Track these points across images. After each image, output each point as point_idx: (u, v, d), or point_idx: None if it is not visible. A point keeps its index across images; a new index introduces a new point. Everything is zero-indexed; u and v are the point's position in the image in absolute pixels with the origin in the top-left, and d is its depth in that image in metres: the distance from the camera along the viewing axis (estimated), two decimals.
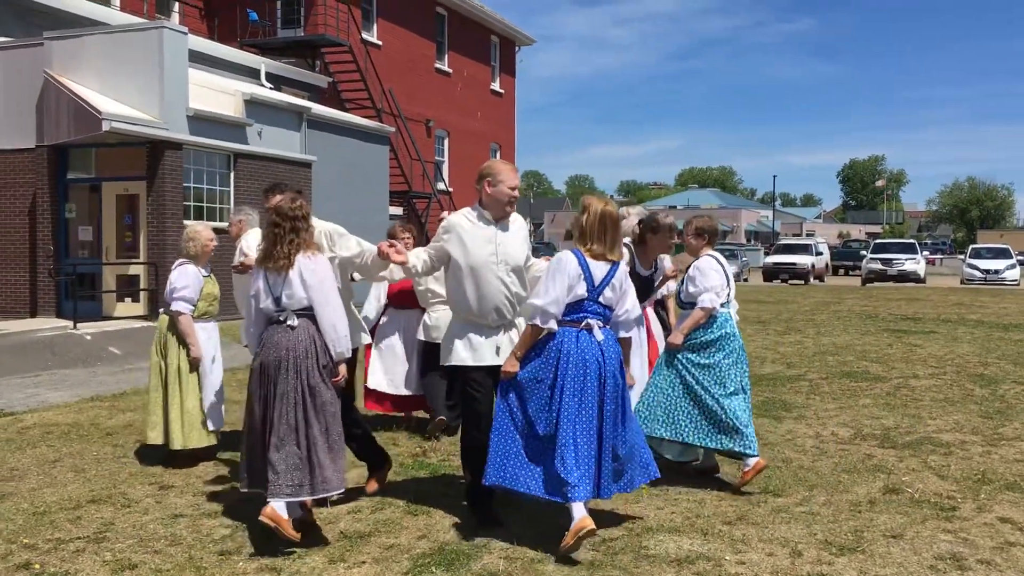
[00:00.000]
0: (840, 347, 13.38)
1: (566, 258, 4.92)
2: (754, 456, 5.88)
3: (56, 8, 17.30)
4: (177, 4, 23.94)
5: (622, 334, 5.11)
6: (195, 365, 6.76)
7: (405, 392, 7.65)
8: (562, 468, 4.75)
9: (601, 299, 4.94)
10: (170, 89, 16.08)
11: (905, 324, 16.94)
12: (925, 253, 42.71)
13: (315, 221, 5.59)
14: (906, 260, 34.30)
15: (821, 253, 40.13)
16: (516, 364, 4.96)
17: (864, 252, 40.58)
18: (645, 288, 6.45)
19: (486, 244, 5.25)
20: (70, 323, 14.66)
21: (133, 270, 16.58)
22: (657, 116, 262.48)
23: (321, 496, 5.04)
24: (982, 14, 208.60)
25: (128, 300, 16.63)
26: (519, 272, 5.35)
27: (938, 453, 6.92)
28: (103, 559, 4.75)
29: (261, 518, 4.83)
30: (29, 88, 16.36)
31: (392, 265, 5.45)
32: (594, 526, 4.68)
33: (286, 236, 5.12)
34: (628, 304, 5.07)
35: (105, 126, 14.98)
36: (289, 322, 5.12)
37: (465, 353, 5.28)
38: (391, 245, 5.30)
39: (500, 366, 5.16)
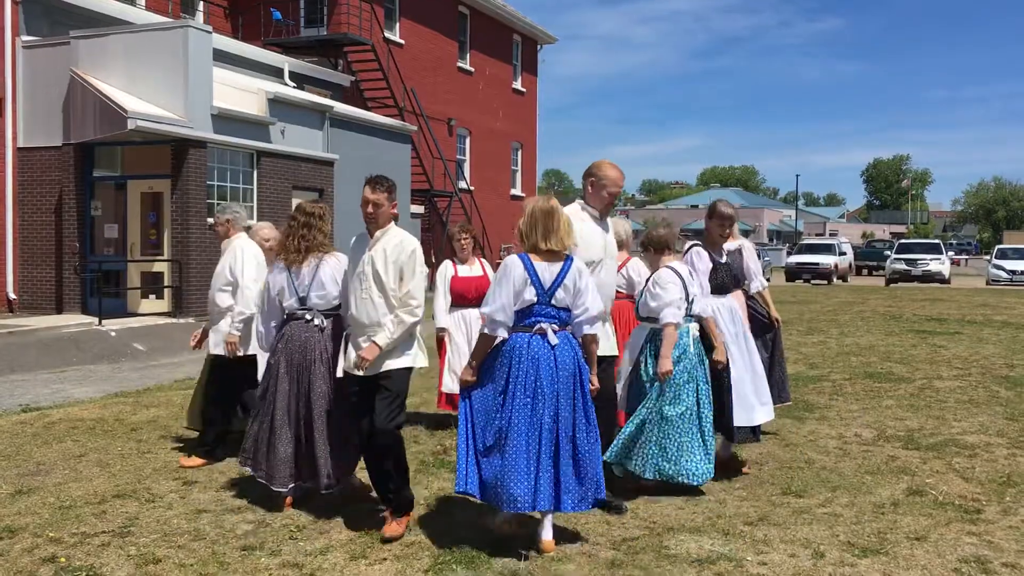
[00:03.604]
0: (863, 348, 13.29)
1: (511, 264, 4.81)
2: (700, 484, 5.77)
3: (82, 7, 17.42)
4: (202, 3, 24.08)
5: (586, 331, 4.88)
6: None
7: None
8: (511, 479, 4.66)
9: (554, 301, 4.79)
10: (194, 88, 16.19)
11: (930, 325, 16.80)
12: (950, 253, 42.34)
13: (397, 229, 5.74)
14: (931, 260, 34.00)
15: (844, 253, 39.83)
16: (472, 373, 4.86)
17: (888, 252, 40.25)
18: (729, 274, 6.47)
19: (600, 238, 5.46)
20: (95, 319, 14.81)
21: (157, 267, 16.69)
22: (679, 115, 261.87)
23: (329, 489, 5.51)
24: (1007, 15, 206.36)
25: (152, 297, 16.74)
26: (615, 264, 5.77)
27: (963, 455, 6.85)
28: (128, 553, 4.79)
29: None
30: (56, 86, 16.52)
31: None
32: (549, 550, 4.73)
33: (298, 231, 5.42)
34: (587, 302, 4.83)
35: (130, 124, 15.10)
36: (317, 322, 5.36)
37: (606, 344, 5.43)
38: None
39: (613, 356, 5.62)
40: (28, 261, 17.17)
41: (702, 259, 6.39)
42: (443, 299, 7.66)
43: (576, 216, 5.43)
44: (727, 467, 6.31)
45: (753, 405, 6.28)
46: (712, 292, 6.34)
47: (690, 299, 5.91)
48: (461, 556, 4.71)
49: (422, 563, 4.64)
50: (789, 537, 5.03)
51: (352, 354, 5.17)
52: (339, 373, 5.31)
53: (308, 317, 5.39)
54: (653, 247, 6.05)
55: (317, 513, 5.45)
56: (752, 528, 5.18)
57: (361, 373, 5.12)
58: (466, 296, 7.60)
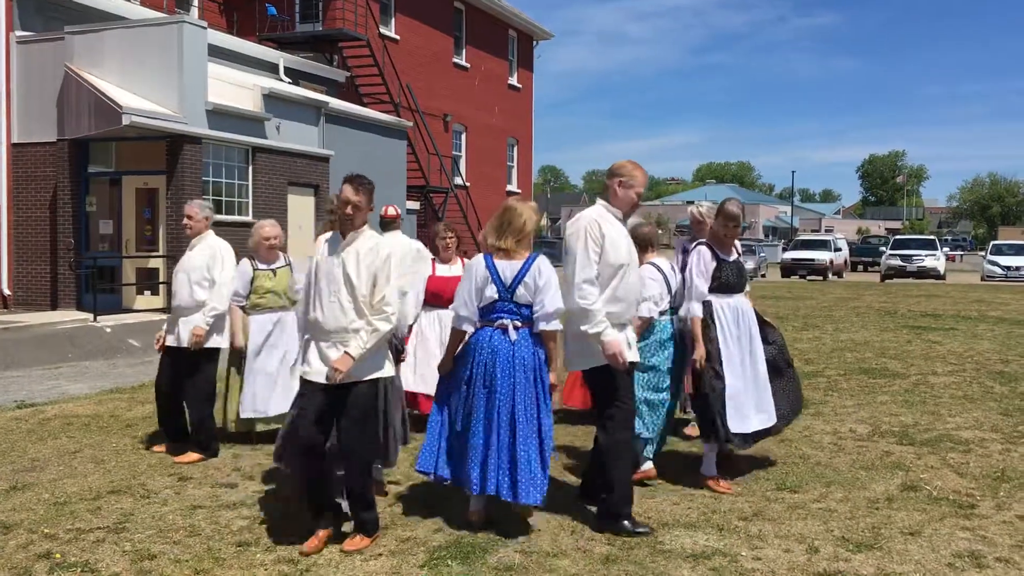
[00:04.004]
0: (858, 343, 13.31)
1: (474, 262, 5.12)
2: (649, 460, 6.09)
3: (77, 2, 17.37)
4: None
5: (542, 327, 5.02)
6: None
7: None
8: (470, 462, 4.99)
9: (516, 298, 4.99)
10: (189, 83, 16.16)
11: (924, 321, 16.83)
12: (945, 249, 42.36)
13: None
14: (926, 256, 34.05)
15: (840, 249, 39.94)
16: (448, 364, 5.17)
17: (883, 248, 40.34)
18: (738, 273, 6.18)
19: (626, 241, 5.28)
20: (90, 316, 14.78)
21: (152, 263, 16.67)
22: (675, 111, 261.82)
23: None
24: (1004, 11, 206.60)
25: (147, 293, 16.72)
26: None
27: (957, 450, 6.88)
28: (123, 549, 4.79)
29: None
30: (50, 82, 16.47)
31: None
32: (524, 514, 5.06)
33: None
34: (544, 299, 4.96)
35: (125, 120, 15.06)
36: None
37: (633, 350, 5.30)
38: None
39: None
40: (23, 257, 17.14)
41: (702, 259, 6.06)
42: (413, 294, 7.53)
43: (604, 220, 5.19)
44: (721, 465, 6.31)
45: (748, 412, 5.94)
46: (717, 291, 6.06)
47: (672, 293, 6.12)
48: (456, 551, 4.71)
49: (417, 558, 4.64)
50: (783, 532, 5.05)
51: (316, 362, 4.79)
52: (295, 382, 4.98)
53: None
54: (637, 244, 5.90)
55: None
56: (747, 523, 5.19)
57: (326, 382, 4.75)
58: (442, 296, 7.26)
